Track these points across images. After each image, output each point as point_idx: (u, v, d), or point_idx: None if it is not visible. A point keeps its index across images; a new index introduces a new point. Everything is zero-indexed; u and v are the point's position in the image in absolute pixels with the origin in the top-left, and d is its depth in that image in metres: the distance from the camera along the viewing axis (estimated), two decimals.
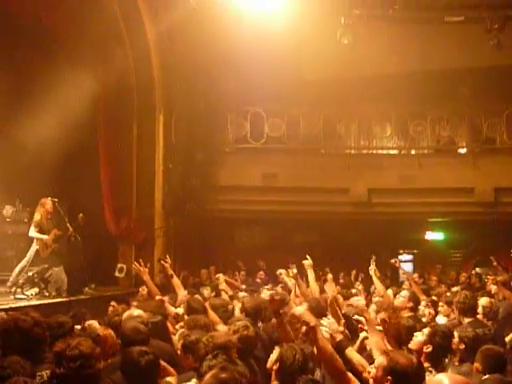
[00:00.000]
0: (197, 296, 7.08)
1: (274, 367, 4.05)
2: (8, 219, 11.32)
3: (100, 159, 12.51)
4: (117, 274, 11.97)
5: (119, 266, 11.98)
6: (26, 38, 10.84)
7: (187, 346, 4.45)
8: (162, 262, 8.06)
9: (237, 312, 6.51)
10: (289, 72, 13.50)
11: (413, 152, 14.58)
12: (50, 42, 11.29)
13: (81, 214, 9.92)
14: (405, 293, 7.13)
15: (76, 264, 10.11)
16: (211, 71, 13.30)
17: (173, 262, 12.55)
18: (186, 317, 5.63)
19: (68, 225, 9.86)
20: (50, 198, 9.92)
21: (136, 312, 5.60)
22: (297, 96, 13.50)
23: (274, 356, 4.17)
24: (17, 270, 9.77)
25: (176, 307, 6.33)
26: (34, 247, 9.74)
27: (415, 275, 11.96)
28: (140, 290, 9.26)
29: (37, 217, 9.78)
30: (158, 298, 6.43)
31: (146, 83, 13.03)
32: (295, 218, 14.50)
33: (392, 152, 15.04)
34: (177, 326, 5.73)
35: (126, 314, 5.57)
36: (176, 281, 7.46)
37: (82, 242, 10.07)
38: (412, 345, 4.86)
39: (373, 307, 6.46)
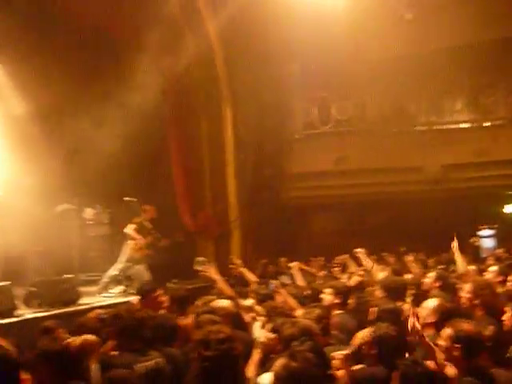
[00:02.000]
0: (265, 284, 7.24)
1: (372, 351, 4.07)
2: (90, 221, 11.77)
3: (172, 156, 12.77)
4: (196, 267, 12.18)
5: (198, 259, 12.20)
6: (91, 46, 11.20)
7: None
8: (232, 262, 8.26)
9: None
10: (351, 53, 13.37)
11: (486, 124, 14.15)
12: (114, 46, 11.61)
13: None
14: (494, 268, 7.02)
15: (157, 261, 10.44)
16: (274, 60, 13.33)
17: (250, 252, 12.85)
18: (257, 306, 5.76)
19: (147, 223, 10.23)
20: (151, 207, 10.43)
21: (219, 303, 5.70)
22: (361, 77, 13.36)
23: (364, 338, 4.20)
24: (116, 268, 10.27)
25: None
26: (127, 246, 10.21)
27: (500, 250, 11.64)
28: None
29: (137, 219, 10.25)
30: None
31: (211, 77, 13.14)
32: (369, 199, 14.38)
33: (464, 126, 14.62)
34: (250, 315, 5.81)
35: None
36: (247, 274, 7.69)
37: (161, 238, 10.47)
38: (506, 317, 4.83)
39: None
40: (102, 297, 9.56)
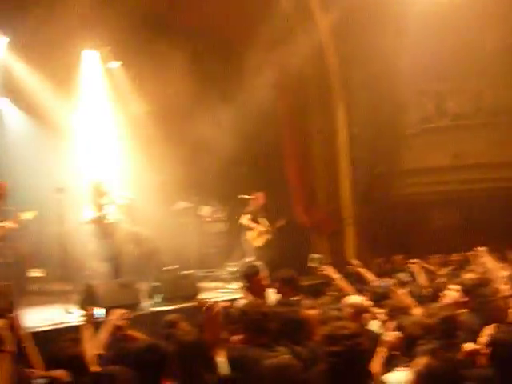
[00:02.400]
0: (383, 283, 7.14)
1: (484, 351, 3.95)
2: (207, 219, 12.11)
3: (285, 152, 12.86)
4: (311, 264, 12.20)
5: (313, 256, 12.21)
6: (206, 47, 11.52)
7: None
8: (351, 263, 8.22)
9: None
10: (467, 43, 12.86)
11: None
12: (227, 46, 11.88)
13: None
14: None
15: (273, 257, 10.56)
16: (386, 53, 13.06)
17: (365, 250, 12.68)
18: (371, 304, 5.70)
19: (259, 210, 10.45)
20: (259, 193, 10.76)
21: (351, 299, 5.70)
22: (478, 68, 12.84)
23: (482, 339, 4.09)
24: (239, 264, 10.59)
25: None
26: (246, 239, 10.48)
27: None
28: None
29: (249, 208, 10.57)
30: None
31: (323, 72, 13.11)
32: (488, 195, 13.80)
33: None
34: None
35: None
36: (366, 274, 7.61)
37: (277, 235, 10.63)
38: None
39: None
40: (221, 292, 9.79)
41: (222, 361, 3.88)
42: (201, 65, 11.33)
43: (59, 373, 3.17)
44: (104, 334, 4.14)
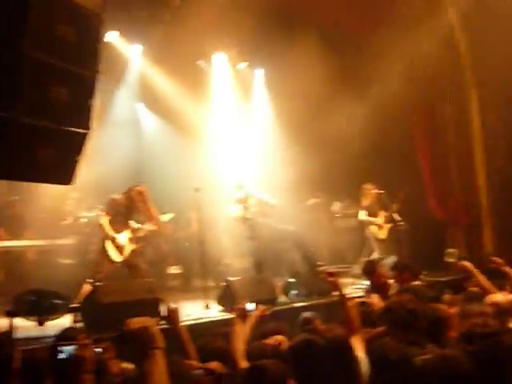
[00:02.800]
0: None
1: None
2: (337, 214, 12.10)
3: (417, 144, 12.55)
4: (447, 259, 11.84)
5: (449, 250, 11.85)
6: (335, 43, 11.49)
7: None
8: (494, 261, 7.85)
9: None
10: None
11: None
12: (355, 41, 11.77)
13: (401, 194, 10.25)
14: None
15: (406, 252, 10.36)
16: None
17: (504, 242, 12.07)
18: None
19: (395, 214, 10.24)
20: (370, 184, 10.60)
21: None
22: None
23: None
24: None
25: None
26: (370, 234, 10.41)
27: None
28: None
29: (364, 202, 10.49)
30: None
31: (454, 61, 12.65)
32: None
33: None
34: None
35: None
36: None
37: (409, 229, 10.40)
38: None
39: None
40: (354, 288, 9.73)
41: (361, 356, 3.88)
42: (330, 60, 11.28)
43: (215, 365, 3.32)
44: (248, 329, 4.25)
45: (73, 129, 5.59)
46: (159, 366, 2.18)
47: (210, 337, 4.03)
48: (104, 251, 7.91)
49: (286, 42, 11.16)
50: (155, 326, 2.36)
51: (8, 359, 3.59)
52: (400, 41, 11.31)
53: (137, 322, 2.31)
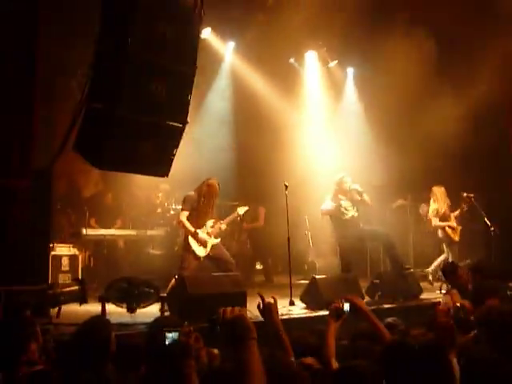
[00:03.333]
0: None
1: None
2: (425, 217, 11.85)
3: (510, 148, 12.09)
4: None
5: None
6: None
7: None
8: None
9: None
10: None
11: None
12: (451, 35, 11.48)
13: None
14: None
15: (499, 259, 10.06)
16: None
17: None
18: None
19: (486, 220, 9.94)
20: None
21: None
22: None
23: None
24: (436, 262, 10.47)
25: None
26: (443, 237, 10.25)
27: None
28: None
29: (433, 206, 10.31)
30: None
31: None
32: None
33: None
34: None
35: None
36: None
37: (500, 235, 10.08)
38: None
39: None
40: (440, 293, 9.52)
41: (454, 362, 3.79)
42: (426, 57, 11.07)
43: (311, 360, 3.35)
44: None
45: (171, 123, 5.80)
46: (255, 355, 2.22)
47: (302, 333, 4.05)
48: (188, 247, 8.03)
49: (378, 40, 11.01)
50: (248, 318, 2.40)
51: (106, 343, 3.74)
52: (496, 37, 10.96)
53: (231, 312, 2.35)
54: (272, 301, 3.54)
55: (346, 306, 4.07)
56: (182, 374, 2.98)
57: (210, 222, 8.21)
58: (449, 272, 7.71)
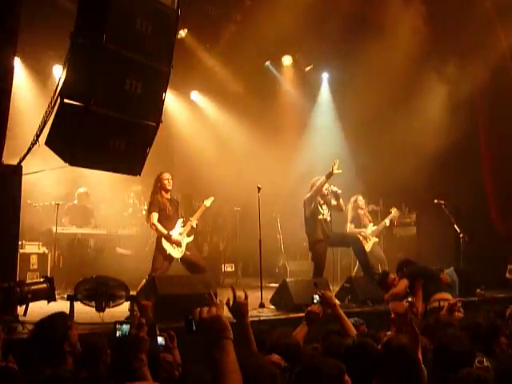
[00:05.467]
0: None
1: None
2: (396, 222, 11.95)
3: (481, 157, 12.23)
4: (508, 275, 11.51)
5: (510, 267, 11.51)
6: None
7: None
8: None
9: None
10: None
11: None
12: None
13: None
14: None
15: (467, 265, 10.17)
16: None
17: None
18: None
19: (455, 226, 10.06)
20: None
21: None
22: None
23: None
24: None
25: None
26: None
27: None
28: None
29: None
30: None
31: None
32: None
33: None
34: None
35: None
36: None
37: (469, 243, 10.19)
38: None
39: None
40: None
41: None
42: (396, 64, 11.18)
43: (276, 357, 3.34)
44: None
45: (145, 121, 5.76)
46: (231, 355, 2.21)
47: (275, 333, 4.04)
48: (161, 248, 7.99)
49: (353, 45, 11.09)
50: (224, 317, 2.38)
51: (61, 340, 3.69)
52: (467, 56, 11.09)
53: (208, 311, 2.34)
54: (243, 298, 3.52)
55: (316, 298, 4.14)
56: (132, 368, 2.96)
57: (180, 221, 8.18)
58: (380, 282, 8.05)
